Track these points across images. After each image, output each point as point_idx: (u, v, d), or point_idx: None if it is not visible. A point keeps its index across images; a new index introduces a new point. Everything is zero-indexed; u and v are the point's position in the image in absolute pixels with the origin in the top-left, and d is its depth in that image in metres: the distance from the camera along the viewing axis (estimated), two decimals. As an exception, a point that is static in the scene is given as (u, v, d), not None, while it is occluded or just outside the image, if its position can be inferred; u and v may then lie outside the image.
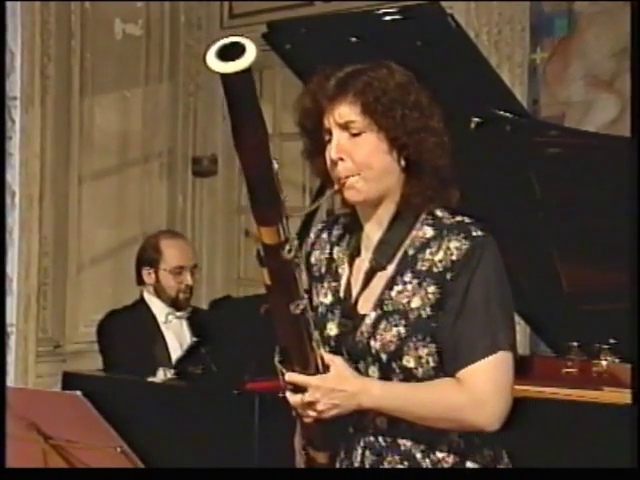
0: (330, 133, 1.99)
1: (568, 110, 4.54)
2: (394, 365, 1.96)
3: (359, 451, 2.02)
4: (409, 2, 3.47)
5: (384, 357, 1.96)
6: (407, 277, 1.98)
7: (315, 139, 2.03)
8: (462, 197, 2.03)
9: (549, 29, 4.60)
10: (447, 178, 2.00)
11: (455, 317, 1.94)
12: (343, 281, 2.06)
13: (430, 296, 1.96)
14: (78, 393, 2.35)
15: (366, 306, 2.01)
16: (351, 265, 2.06)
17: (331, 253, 2.11)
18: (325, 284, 2.09)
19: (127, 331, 3.90)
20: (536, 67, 4.62)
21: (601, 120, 4.42)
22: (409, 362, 1.96)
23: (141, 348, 3.86)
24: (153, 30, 5.64)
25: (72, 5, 5.25)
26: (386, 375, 1.97)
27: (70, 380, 3.61)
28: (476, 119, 3.23)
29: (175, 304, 4.01)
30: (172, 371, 3.56)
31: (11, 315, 4.91)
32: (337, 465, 2.06)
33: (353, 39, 3.13)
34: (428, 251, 1.98)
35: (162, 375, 3.56)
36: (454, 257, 1.95)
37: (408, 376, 1.96)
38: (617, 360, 3.38)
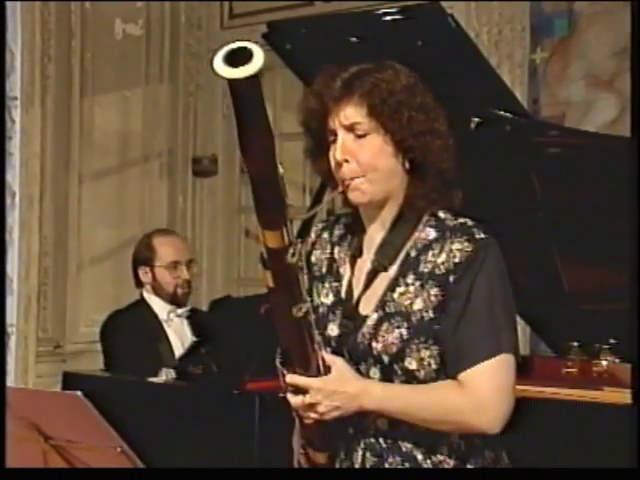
0: (335, 134, 1.99)
1: (568, 110, 4.54)
2: (396, 367, 1.96)
3: (360, 452, 2.02)
4: (409, 2, 3.47)
5: (386, 359, 1.96)
6: (409, 279, 1.98)
7: (319, 139, 2.03)
8: (462, 197, 2.03)
9: (549, 29, 4.60)
10: (451, 180, 2.00)
11: (457, 319, 1.93)
12: (345, 281, 2.06)
13: (432, 298, 1.95)
14: (78, 393, 2.35)
15: (368, 307, 2.01)
16: (353, 265, 2.06)
17: (332, 253, 2.11)
18: (326, 284, 2.09)
19: (131, 330, 3.90)
20: (536, 67, 4.62)
21: (601, 120, 4.42)
22: (411, 364, 1.95)
23: (146, 347, 3.87)
24: (153, 30, 5.64)
25: (72, 5, 5.25)
26: (387, 377, 1.97)
27: (70, 380, 3.61)
28: (476, 119, 3.23)
29: (174, 300, 4.02)
30: (173, 372, 3.56)
31: (11, 315, 4.91)
32: (337, 466, 2.06)
33: (353, 39, 3.13)
34: (431, 253, 1.98)
35: (164, 376, 3.56)
36: (457, 259, 1.95)
37: (410, 378, 1.96)
38: (617, 360, 3.38)
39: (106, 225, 5.44)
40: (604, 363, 3.39)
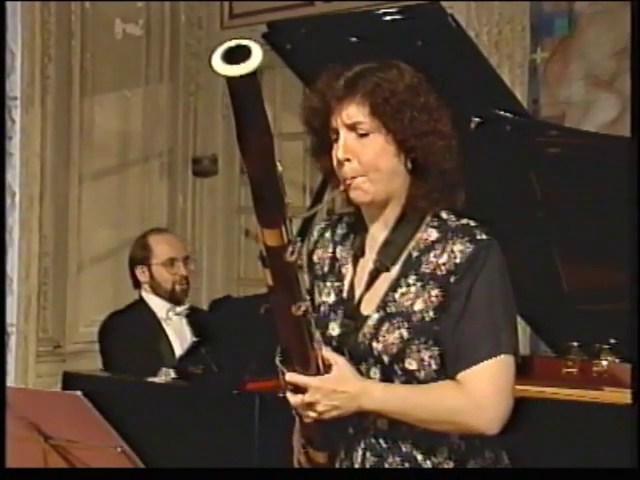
0: (337, 133, 1.99)
1: (568, 110, 4.54)
2: (396, 367, 1.96)
3: (360, 452, 2.02)
4: (409, 2, 3.47)
5: (386, 359, 1.96)
6: (411, 279, 1.98)
7: (322, 138, 2.03)
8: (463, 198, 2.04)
9: (549, 29, 4.60)
10: (453, 181, 2.00)
11: (457, 320, 1.93)
12: (346, 281, 2.06)
13: (433, 299, 1.96)
14: (78, 393, 2.35)
15: (369, 307, 2.01)
16: (355, 265, 2.06)
17: (334, 252, 2.11)
18: (328, 283, 2.09)
19: (130, 331, 3.91)
20: (536, 67, 4.62)
21: (601, 120, 4.42)
22: (411, 365, 1.96)
23: (145, 346, 3.88)
24: (153, 30, 5.63)
25: (72, 5, 5.24)
26: (388, 377, 1.97)
27: (70, 380, 3.61)
28: (476, 119, 3.23)
29: (173, 297, 4.03)
30: (172, 371, 3.56)
31: (11, 315, 4.91)
32: (337, 465, 2.06)
33: (353, 39, 3.13)
34: (432, 253, 1.98)
35: (163, 376, 3.56)
36: (457, 260, 1.95)
37: (410, 378, 1.96)
38: (617, 360, 3.38)
39: (106, 225, 5.43)
40: (604, 363, 3.39)
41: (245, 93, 1.71)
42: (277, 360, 1.95)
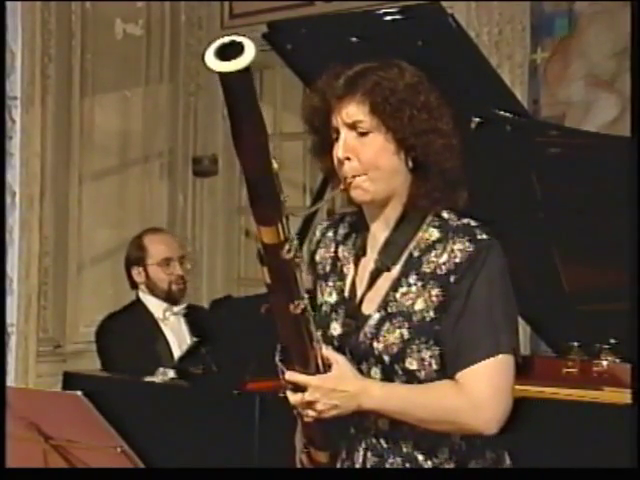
0: (337, 131, 1.99)
1: (568, 110, 4.54)
2: (397, 367, 1.96)
3: (361, 452, 2.02)
4: (409, 2, 3.47)
5: (387, 359, 1.96)
6: (412, 279, 1.98)
7: (322, 137, 2.03)
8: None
9: (549, 29, 4.60)
10: (455, 180, 1.99)
11: (457, 319, 1.93)
12: (348, 281, 2.06)
13: (434, 299, 1.96)
14: (78, 393, 2.35)
15: (370, 307, 2.01)
16: (357, 265, 2.06)
17: (336, 252, 2.11)
18: (330, 283, 2.09)
19: (127, 331, 3.91)
20: (536, 67, 4.62)
21: (601, 120, 4.42)
22: (412, 364, 1.96)
23: (142, 347, 3.87)
24: (154, 30, 5.63)
25: (72, 5, 5.24)
26: (388, 377, 1.97)
27: (70, 380, 3.61)
28: (476, 119, 3.22)
29: (170, 297, 4.04)
30: (172, 371, 3.56)
31: (11, 315, 4.91)
32: (338, 465, 2.06)
33: (353, 39, 3.13)
34: (433, 253, 1.98)
35: (162, 375, 3.56)
36: (458, 260, 1.95)
37: (410, 378, 1.96)
38: (617, 360, 3.38)
39: (106, 225, 5.43)
40: (604, 363, 3.38)
41: (238, 89, 1.71)
42: (277, 359, 1.95)
